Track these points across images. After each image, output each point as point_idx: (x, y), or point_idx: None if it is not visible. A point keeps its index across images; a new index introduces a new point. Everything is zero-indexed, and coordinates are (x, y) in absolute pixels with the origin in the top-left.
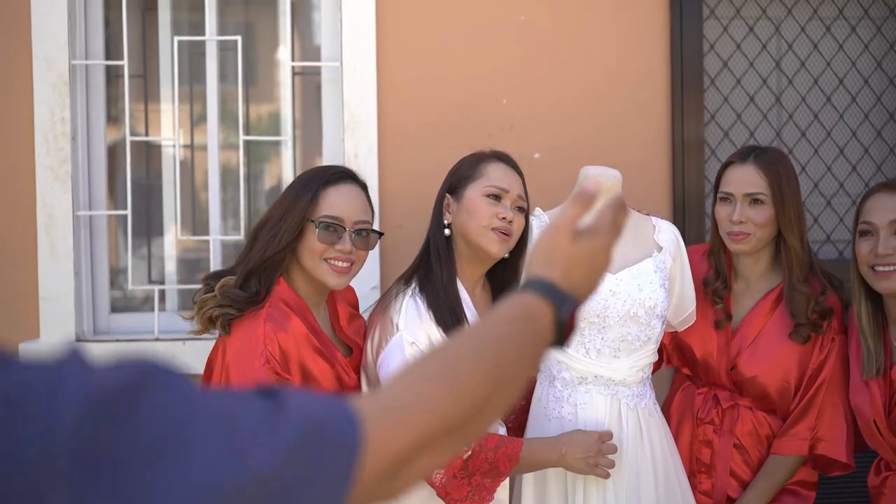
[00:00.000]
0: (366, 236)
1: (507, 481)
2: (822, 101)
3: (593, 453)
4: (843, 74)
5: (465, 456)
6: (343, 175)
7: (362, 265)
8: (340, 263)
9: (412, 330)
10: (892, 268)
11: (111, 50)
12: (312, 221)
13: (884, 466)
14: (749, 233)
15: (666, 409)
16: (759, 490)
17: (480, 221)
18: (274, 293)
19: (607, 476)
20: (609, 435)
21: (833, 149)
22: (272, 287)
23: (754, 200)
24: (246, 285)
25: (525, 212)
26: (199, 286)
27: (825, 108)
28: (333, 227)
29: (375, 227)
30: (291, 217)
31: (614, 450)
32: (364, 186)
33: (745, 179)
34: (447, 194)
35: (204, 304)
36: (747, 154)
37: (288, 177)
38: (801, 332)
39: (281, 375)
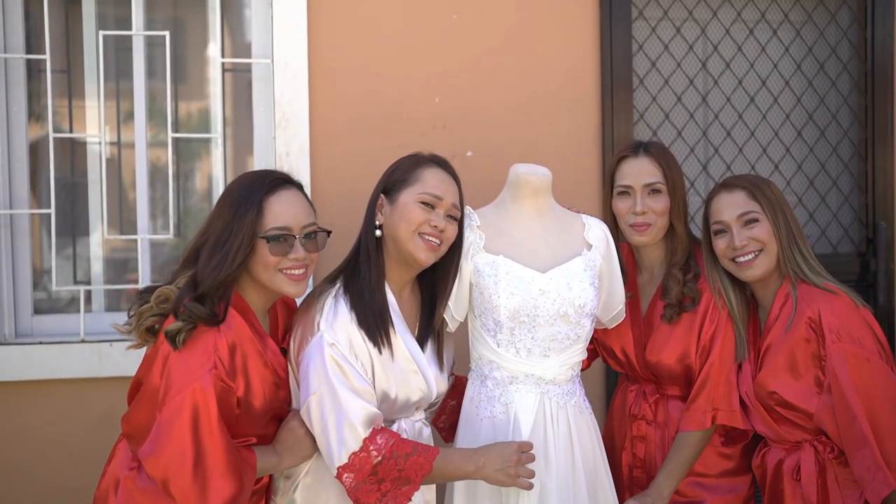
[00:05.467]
0: (314, 238)
1: (433, 484)
2: (746, 101)
3: (512, 463)
4: (765, 76)
5: (374, 461)
6: (281, 181)
7: (315, 265)
8: (296, 271)
9: (333, 331)
10: (751, 256)
11: (32, 43)
12: (263, 237)
13: (762, 445)
14: (651, 222)
15: (610, 409)
16: (668, 471)
17: (411, 226)
18: None
19: (530, 487)
20: (529, 445)
21: (756, 148)
22: (229, 304)
23: (653, 190)
24: (202, 304)
25: (458, 220)
26: (127, 286)
27: (749, 109)
28: (284, 238)
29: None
30: (239, 234)
31: (533, 459)
32: (301, 187)
33: (642, 171)
34: (381, 195)
35: (142, 315)
36: (637, 147)
37: (219, 175)
38: (667, 312)
39: (226, 382)
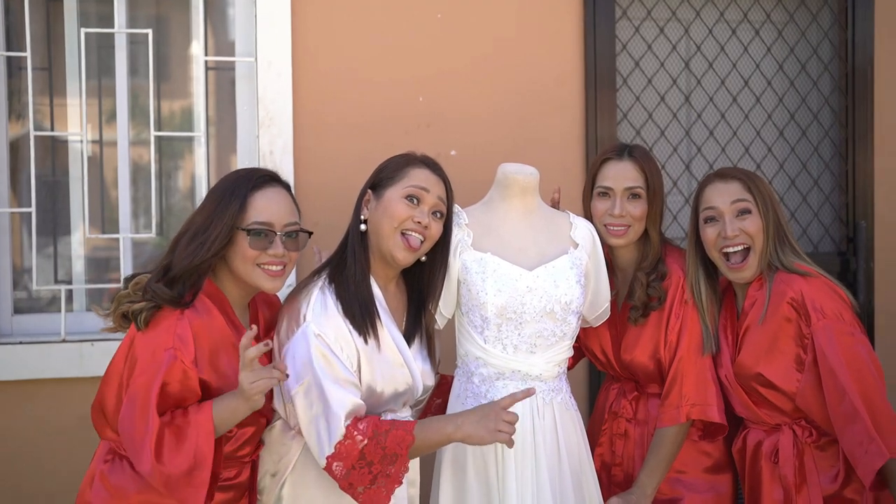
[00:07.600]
0: (295, 238)
1: (416, 478)
2: (729, 101)
3: (492, 417)
4: (748, 76)
5: (360, 445)
6: (268, 179)
7: (294, 265)
8: (274, 268)
9: (319, 322)
10: (739, 248)
11: (12, 40)
12: (244, 229)
13: (742, 428)
14: (628, 225)
15: (594, 407)
16: (650, 468)
17: (393, 223)
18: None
19: (511, 444)
20: (510, 402)
21: (739, 147)
22: (199, 291)
23: (633, 195)
24: (171, 288)
25: (444, 218)
26: (109, 285)
27: (731, 108)
28: (264, 233)
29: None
30: (219, 225)
31: (516, 418)
32: (288, 187)
33: (625, 175)
34: (369, 190)
35: (120, 300)
36: (622, 150)
37: (201, 174)
38: (632, 314)
39: (184, 363)
